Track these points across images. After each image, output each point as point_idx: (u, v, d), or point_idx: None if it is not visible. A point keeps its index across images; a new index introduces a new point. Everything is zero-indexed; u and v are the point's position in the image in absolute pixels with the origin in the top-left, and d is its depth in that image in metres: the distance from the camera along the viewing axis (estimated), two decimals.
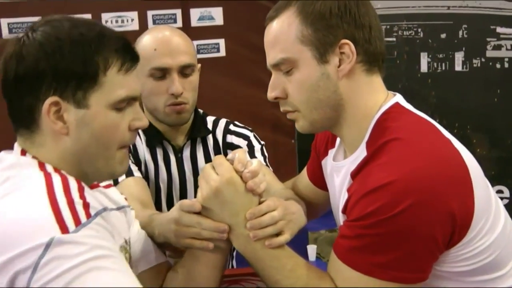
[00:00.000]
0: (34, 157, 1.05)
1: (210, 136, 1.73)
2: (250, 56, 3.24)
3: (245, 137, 1.73)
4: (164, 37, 1.61)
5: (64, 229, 0.89)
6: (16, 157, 1.06)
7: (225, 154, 1.66)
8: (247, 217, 1.16)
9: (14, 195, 0.95)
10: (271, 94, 1.24)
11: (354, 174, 1.18)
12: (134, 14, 3.11)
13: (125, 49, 1.07)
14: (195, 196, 1.62)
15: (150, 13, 3.16)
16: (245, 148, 1.69)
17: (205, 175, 1.16)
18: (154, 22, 3.14)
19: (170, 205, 1.65)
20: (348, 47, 1.16)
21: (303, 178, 1.56)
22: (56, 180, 0.97)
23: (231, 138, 1.72)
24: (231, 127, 1.76)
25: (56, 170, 1.03)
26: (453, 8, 3.46)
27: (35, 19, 3.15)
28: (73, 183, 0.98)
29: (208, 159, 1.69)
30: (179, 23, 3.18)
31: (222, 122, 1.77)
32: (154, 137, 1.67)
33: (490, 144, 3.36)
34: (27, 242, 0.87)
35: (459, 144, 1.17)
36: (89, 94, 1.03)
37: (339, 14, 1.17)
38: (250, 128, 1.78)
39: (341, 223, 1.21)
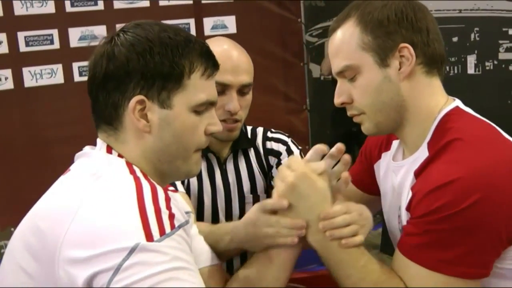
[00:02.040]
0: (120, 155, 1.10)
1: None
2: (264, 63, 3.25)
3: (284, 143, 1.75)
4: (228, 53, 1.61)
5: (149, 236, 0.93)
6: (104, 154, 1.10)
7: (267, 161, 1.71)
8: (321, 217, 1.20)
9: (105, 195, 0.99)
10: (338, 100, 1.31)
11: (418, 173, 1.23)
12: None
13: (208, 56, 1.13)
14: (240, 207, 1.67)
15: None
16: (284, 154, 1.70)
17: (280, 174, 1.22)
18: None
19: (214, 217, 1.66)
20: (407, 50, 1.23)
21: None
22: (146, 187, 1.01)
23: (270, 145, 1.74)
24: (269, 134, 1.77)
25: (145, 175, 1.07)
26: (464, 11, 3.47)
27: (51, 31, 3.18)
28: (161, 193, 1.02)
29: (250, 169, 1.71)
30: (193, 32, 3.21)
31: (260, 130, 1.79)
32: None
33: None
34: (113, 243, 0.92)
35: None
36: (173, 95, 1.08)
37: (396, 20, 1.24)
38: (287, 134, 1.81)
39: (403, 222, 1.25)
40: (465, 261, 1.11)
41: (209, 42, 1.72)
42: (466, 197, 1.09)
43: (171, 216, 0.98)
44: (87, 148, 1.15)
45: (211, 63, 1.13)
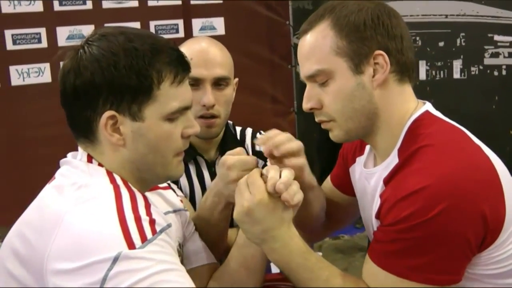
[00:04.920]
0: (100, 164, 1.10)
1: None
2: (251, 65, 3.27)
3: None
4: (202, 48, 1.61)
5: (131, 244, 0.94)
6: (85, 163, 1.10)
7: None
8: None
9: (85, 206, 1.00)
10: (306, 105, 1.26)
11: (387, 181, 1.22)
12: (137, 25, 3.14)
13: (177, 61, 1.10)
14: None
15: (152, 24, 3.19)
16: None
17: (239, 191, 1.19)
18: (156, 33, 3.17)
19: None
20: (382, 57, 1.20)
21: (326, 185, 1.59)
22: (125, 196, 1.02)
23: (259, 147, 1.71)
24: (258, 135, 1.76)
25: (125, 183, 1.07)
26: (450, 17, 3.50)
27: (39, 30, 3.16)
28: (140, 200, 1.03)
29: None
30: (181, 33, 3.21)
31: (249, 132, 1.78)
32: (187, 152, 1.67)
33: None
34: (96, 254, 0.92)
35: (489, 151, 1.21)
36: (143, 107, 1.07)
37: (372, 26, 1.20)
38: None
39: (374, 229, 1.24)
40: (434, 268, 1.10)
41: (190, 40, 1.71)
42: (434, 206, 1.08)
43: (152, 222, 0.99)
44: (69, 156, 1.15)
45: (181, 69, 1.10)
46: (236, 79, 1.70)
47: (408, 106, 1.25)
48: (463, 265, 1.14)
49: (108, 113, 1.05)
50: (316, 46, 1.23)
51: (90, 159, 1.11)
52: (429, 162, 1.14)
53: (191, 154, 1.66)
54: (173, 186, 1.56)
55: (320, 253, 3.40)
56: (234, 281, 1.27)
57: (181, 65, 1.11)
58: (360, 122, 1.23)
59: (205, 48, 1.61)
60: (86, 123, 1.08)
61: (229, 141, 1.71)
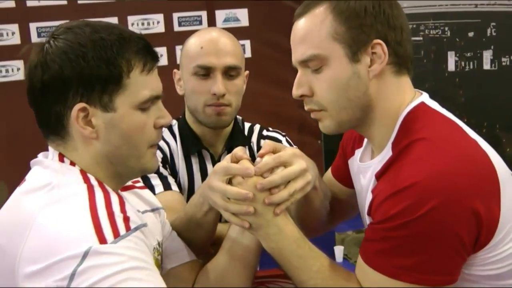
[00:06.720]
0: (72, 163, 1.08)
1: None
2: (275, 56, 3.23)
3: (277, 141, 1.70)
4: (212, 37, 1.61)
5: (102, 240, 0.92)
6: (57, 163, 1.08)
7: None
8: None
9: (58, 206, 0.98)
10: (297, 91, 1.22)
11: (379, 175, 1.17)
12: (160, 17, 3.14)
13: (146, 50, 1.09)
14: None
15: (175, 15, 3.18)
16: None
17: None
18: (179, 25, 3.16)
19: None
20: (381, 47, 1.15)
21: (327, 176, 1.55)
22: (99, 194, 1.00)
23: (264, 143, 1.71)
24: (264, 132, 1.74)
25: (100, 183, 1.06)
26: (480, 6, 3.42)
27: (63, 22, 3.18)
28: (114, 198, 1.01)
29: None
30: (205, 24, 3.19)
31: (256, 128, 1.76)
32: (192, 144, 1.64)
33: None
34: (65, 250, 0.90)
35: (486, 145, 1.15)
36: (114, 97, 1.05)
37: (373, 13, 1.15)
38: (283, 133, 1.77)
39: (367, 225, 1.20)
40: (426, 268, 1.06)
41: (201, 30, 1.70)
42: (424, 203, 1.03)
43: (126, 219, 0.97)
44: (40, 156, 1.13)
45: (149, 57, 1.09)
46: (247, 72, 1.68)
47: (404, 98, 1.20)
48: (458, 265, 1.09)
49: (79, 105, 1.04)
50: (312, 29, 1.17)
51: (61, 158, 1.09)
52: (420, 157, 1.09)
53: (196, 147, 1.64)
54: (170, 179, 1.54)
55: (342, 247, 3.37)
56: (225, 274, 1.26)
57: (150, 54, 1.10)
58: (354, 113, 1.19)
59: (216, 37, 1.60)
60: (57, 118, 1.06)
61: (237, 137, 1.69)
